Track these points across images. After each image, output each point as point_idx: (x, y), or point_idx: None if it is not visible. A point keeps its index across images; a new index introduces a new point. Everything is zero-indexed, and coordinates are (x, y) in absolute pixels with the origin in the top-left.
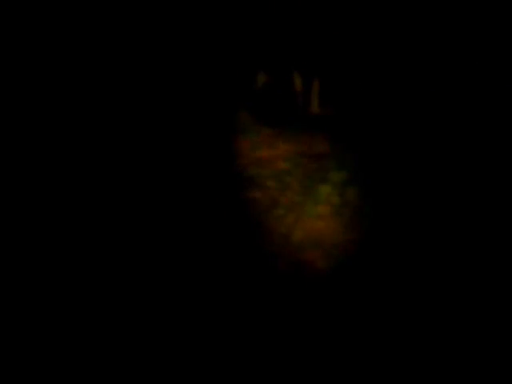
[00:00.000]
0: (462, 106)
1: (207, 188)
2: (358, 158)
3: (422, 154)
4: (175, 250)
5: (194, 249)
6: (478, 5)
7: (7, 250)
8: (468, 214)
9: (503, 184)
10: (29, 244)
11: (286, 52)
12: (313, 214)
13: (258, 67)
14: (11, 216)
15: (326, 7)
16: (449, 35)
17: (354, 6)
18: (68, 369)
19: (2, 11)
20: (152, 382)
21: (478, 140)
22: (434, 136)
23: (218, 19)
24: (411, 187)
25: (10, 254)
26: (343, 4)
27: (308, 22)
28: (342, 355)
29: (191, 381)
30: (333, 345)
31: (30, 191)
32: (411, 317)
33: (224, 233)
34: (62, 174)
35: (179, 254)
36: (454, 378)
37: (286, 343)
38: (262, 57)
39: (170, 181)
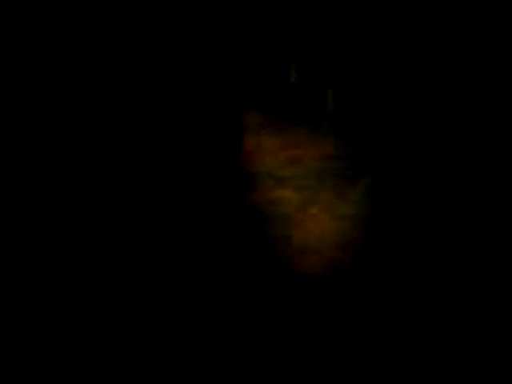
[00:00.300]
0: (473, 107)
1: (237, 186)
2: (386, 161)
3: (446, 155)
4: (201, 247)
5: (223, 246)
6: (477, 5)
7: (7, 250)
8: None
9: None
10: (28, 243)
11: (318, 59)
12: (342, 214)
13: (290, 69)
14: (11, 216)
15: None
16: (455, 39)
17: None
18: (68, 368)
19: (2, 11)
20: (152, 382)
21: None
22: (461, 140)
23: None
24: (441, 190)
25: (10, 253)
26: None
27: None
28: (366, 352)
29: (193, 381)
30: (360, 340)
31: (29, 191)
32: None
33: (256, 231)
34: (62, 173)
35: (206, 250)
36: (454, 378)
37: (314, 338)
38: (295, 60)
39: (198, 179)
